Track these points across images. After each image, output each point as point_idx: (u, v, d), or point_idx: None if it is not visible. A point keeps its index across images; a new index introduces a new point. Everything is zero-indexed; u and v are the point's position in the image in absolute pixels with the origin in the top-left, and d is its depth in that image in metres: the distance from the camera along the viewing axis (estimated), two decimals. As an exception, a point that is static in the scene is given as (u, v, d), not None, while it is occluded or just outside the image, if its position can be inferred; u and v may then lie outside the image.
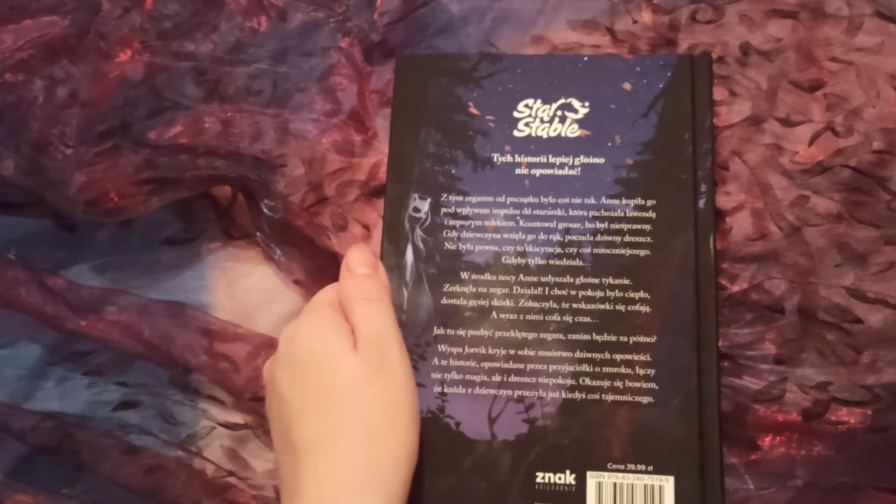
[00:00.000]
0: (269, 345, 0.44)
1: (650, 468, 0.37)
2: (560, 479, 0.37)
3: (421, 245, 0.41)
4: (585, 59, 0.43)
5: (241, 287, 0.46)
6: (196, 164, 0.44)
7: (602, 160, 0.41)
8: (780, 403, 0.40)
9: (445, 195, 0.41)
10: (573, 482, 0.37)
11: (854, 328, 0.40)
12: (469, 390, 0.39)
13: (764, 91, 0.43)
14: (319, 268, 0.44)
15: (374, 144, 0.45)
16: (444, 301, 0.40)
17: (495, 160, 0.42)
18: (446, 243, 0.41)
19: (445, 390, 0.39)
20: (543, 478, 0.37)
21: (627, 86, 0.42)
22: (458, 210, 0.41)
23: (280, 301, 0.45)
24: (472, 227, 0.41)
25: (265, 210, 0.44)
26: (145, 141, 0.45)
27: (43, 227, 0.46)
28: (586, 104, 0.42)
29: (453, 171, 0.42)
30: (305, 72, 0.46)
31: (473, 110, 0.42)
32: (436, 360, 0.39)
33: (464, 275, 0.40)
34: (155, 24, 0.46)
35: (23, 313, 0.44)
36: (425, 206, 0.41)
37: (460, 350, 0.39)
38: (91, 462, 0.43)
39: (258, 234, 0.45)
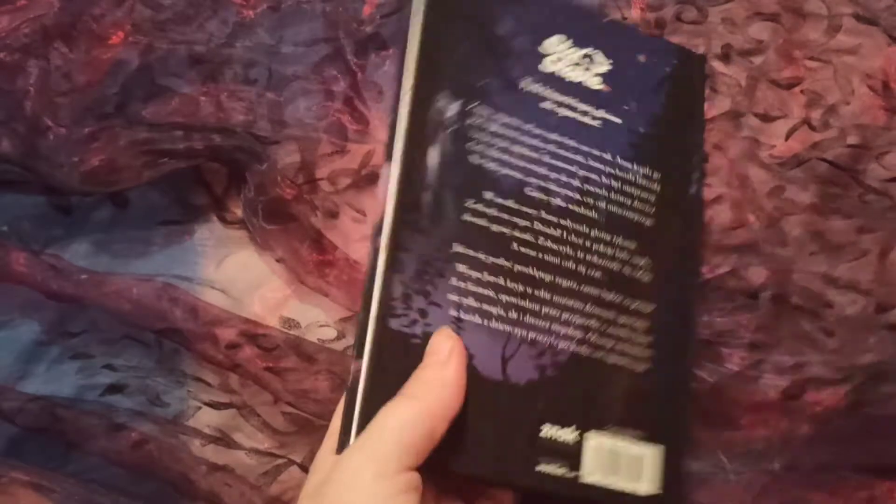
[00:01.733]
0: (253, 329, 0.44)
1: (644, 435, 0.37)
2: (563, 434, 0.37)
3: (446, 149, 0.38)
4: (606, 20, 0.43)
5: (229, 271, 0.46)
6: (190, 138, 0.45)
7: (619, 121, 0.41)
8: (758, 385, 0.41)
9: (476, 103, 0.39)
10: (574, 439, 0.37)
11: (828, 314, 0.42)
12: (485, 321, 0.37)
13: (743, 88, 0.45)
14: (304, 247, 0.45)
15: (367, 133, 0.46)
16: (466, 218, 0.38)
17: (522, 87, 0.40)
18: (470, 156, 0.38)
19: (462, 316, 0.37)
20: (549, 431, 0.37)
21: (642, 58, 0.42)
22: (486, 126, 0.39)
23: (268, 286, 0.46)
24: (499, 147, 0.39)
25: (254, 187, 0.44)
26: (140, 122, 0.45)
27: (38, 206, 0.47)
28: (610, 60, 0.42)
29: (482, 85, 0.39)
30: (300, 61, 0.47)
31: (504, 31, 0.41)
32: (454, 279, 0.37)
33: (487, 194, 0.38)
34: (150, 9, 0.47)
35: (13, 283, 0.44)
36: (453, 109, 0.39)
37: (479, 276, 0.37)
38: (80, 440, 0.43)
39: (243, 211, 0.46)
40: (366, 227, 0.45)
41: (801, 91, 0.45)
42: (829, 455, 0.41)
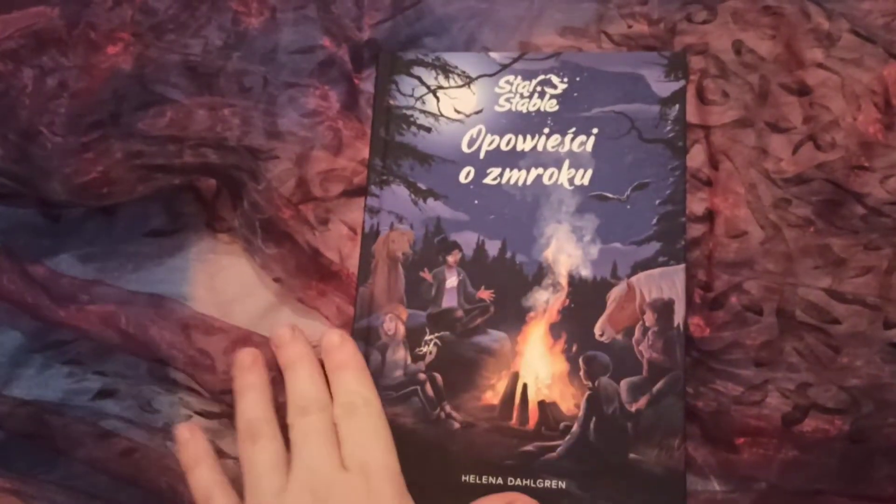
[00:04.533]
0: (245, 338, 0.44)
1: None
2: None
3: None
4: None
5: (220, 280, 0.46)
6: (183, 154, 0.44)
7: None
8: (761, 408, 0.40)
9: None
10: None
11: (832, 329, 0.40)
12: None
13: (756, 93, 0.43)
14: (300, 265, 0.45)
15: (358, 144, 0.45)
16: None
17: None
18: None
19: None
20: None
21: None
22: None
23: (259, 294, 0.46)
24: None
25: (249, 205, 0.44)
26: (134, 132, 0.45)
27: (27, 216, 0.47)
28: None
29: None
30: (294, 69, 0.46)
31: None
32: None
33: None
34: (146, 17, 0.47)
35: (2, 301, 0.44)
36: None
37: None
38: (67, 446, 0.43)
39: (239, 229, 0.45)
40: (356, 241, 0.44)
41: (810, 103, 0.43)
42: (823, 480, 0.39)
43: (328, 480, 0.37)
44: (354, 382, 0.39)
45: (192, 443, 0.40)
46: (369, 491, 0.36)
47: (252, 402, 0.40)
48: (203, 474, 0.39)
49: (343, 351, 0.40)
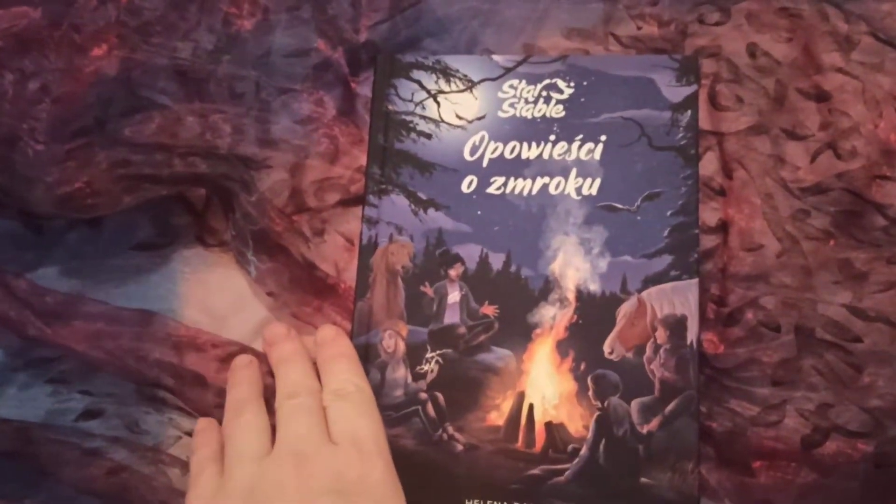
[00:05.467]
0: (240, 352, 0.42)
1: None
2: None
3: None
4: None
5: (212, 294, 0.44)
6: (172, 163, 0.42)
7: None
8: (778, 429, 0.38)
9: None
10: None
11: (854, 347, 0.38)
12: None
13: (771, 98, 0.42)
14: (294, 279, 0.43)
15: (354, 151, 0.44)
16: None
17: None
18: None
19: None
20: None
21: None
22: None
23: (252, 309, 0.44)
24: None
25: (241, 216, 0.42)
26: (120, 139, 0.43)
27: (9, 227, 0.45)
28: None
29: None
30: (289, 74, 0.44)
31: None
32: None
33: None
34: (132, 18, 0.45)
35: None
36: None
37: None
38: (52, 466, 0.41)
39: (232, 242, 0.44)
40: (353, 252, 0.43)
41: (829, 109, 0.41)
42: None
43: (315, 448, 0.35)
44: (347, 371, 0.38)
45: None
46: (361, 460, 0.34)
47: (243, 389, 0.38)
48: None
49: (337, 344, 0.39)
